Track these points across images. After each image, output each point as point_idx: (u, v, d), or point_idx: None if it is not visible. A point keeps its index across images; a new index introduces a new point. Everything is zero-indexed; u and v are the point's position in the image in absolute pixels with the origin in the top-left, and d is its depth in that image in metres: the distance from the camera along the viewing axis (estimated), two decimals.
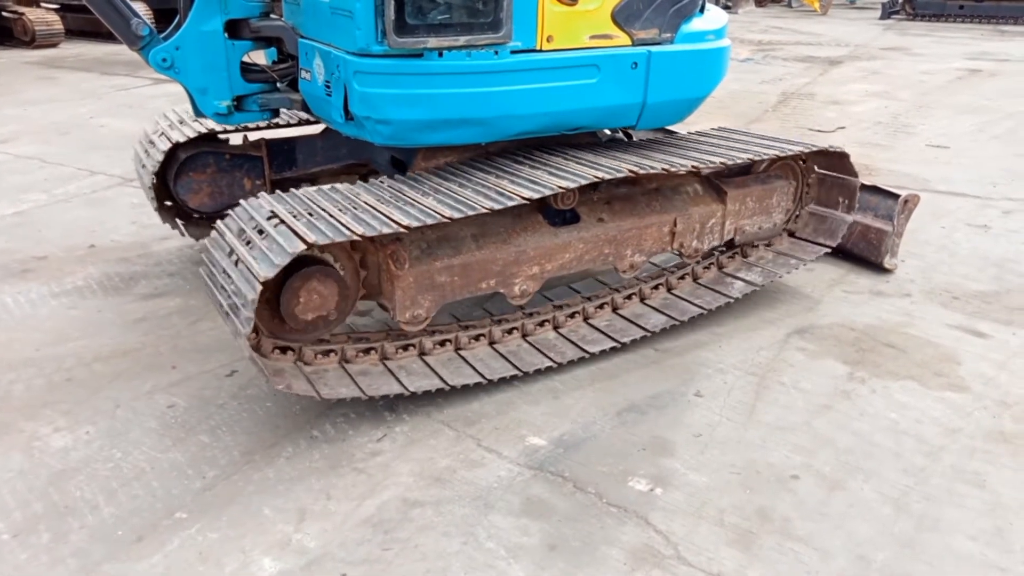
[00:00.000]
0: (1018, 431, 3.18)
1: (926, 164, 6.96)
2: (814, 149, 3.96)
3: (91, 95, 9.06)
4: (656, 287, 3.99)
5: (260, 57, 3.95)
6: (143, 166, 4.35)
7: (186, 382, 3.45)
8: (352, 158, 4.48)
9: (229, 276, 2.88)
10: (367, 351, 3.26)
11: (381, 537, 2.59)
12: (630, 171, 3.36)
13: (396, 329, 3.35)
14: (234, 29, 3.50)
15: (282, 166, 4.46)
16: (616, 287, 3.92)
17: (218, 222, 3.17)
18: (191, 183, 4.30)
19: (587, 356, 3.55)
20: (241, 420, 3.20)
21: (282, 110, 4.12)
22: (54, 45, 12.90)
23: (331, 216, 2.96)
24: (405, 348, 3.35)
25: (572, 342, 3.59)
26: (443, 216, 2.94)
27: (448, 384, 3.22)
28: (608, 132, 4.19)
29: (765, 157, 3.79)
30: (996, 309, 4.24)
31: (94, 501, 2.75)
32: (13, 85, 9.86)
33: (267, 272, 2.71)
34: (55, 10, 13.65)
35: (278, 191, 3.29)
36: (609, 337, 3.64)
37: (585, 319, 3.76)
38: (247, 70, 3.66)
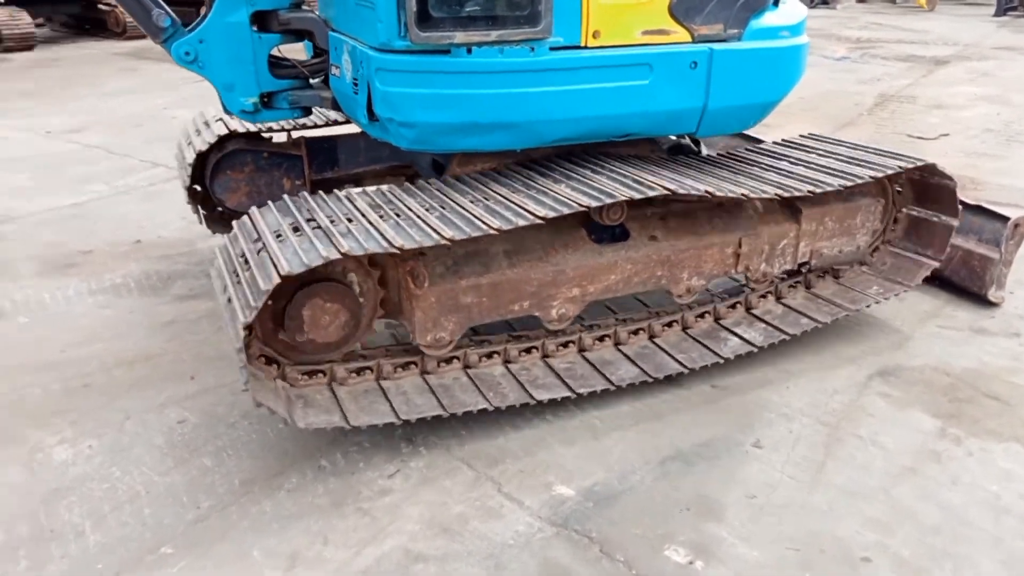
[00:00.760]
0: None
1: None
2: (918, 164, 3.46)
3: (169, 86, 9.15)
4: (734, 306, 3.57)
5: (300, 53, 3.73)
6: (183, 157, 4.21)
7: (201, 395, 3.27)
8: (395, 159, 4.23)
9: (247, 264, 2.64)
10: (360, 371, 2.99)
11: None
12: (706, 192, 2.96)
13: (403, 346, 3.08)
14: (262, 21, 3.27)
15: (323, 166, 4.24)
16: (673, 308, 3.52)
17: (253, 209, 2.94)
18: (228, 181, 4.13)
19: (646, 382, 3.18)
20: (249, 443, 2.99)
21: (316, 109, 3.89)
22: (144, 36, 13.20)
23: (371, 223, 2.71)
24: (405, 367, 3.05)
25: (631, 360, 3.23)
26: (491, 228, 2.64)
27: (447, 411, 2.90)
28: (673, 138, 3.79)
29: (864, 180, 3.30)
30: None
31: (81, 527, 2.57)
32: (98, 76, 10.10)
33: (294, 267, 2.45)
34: None
35: (320, 192, 3.05)
36: (677, 362, 3.26)
37: (651, 337, 3.39)
38: (276, 65, 3.43)
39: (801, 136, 3.95)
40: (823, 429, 3.07)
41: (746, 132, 4.40)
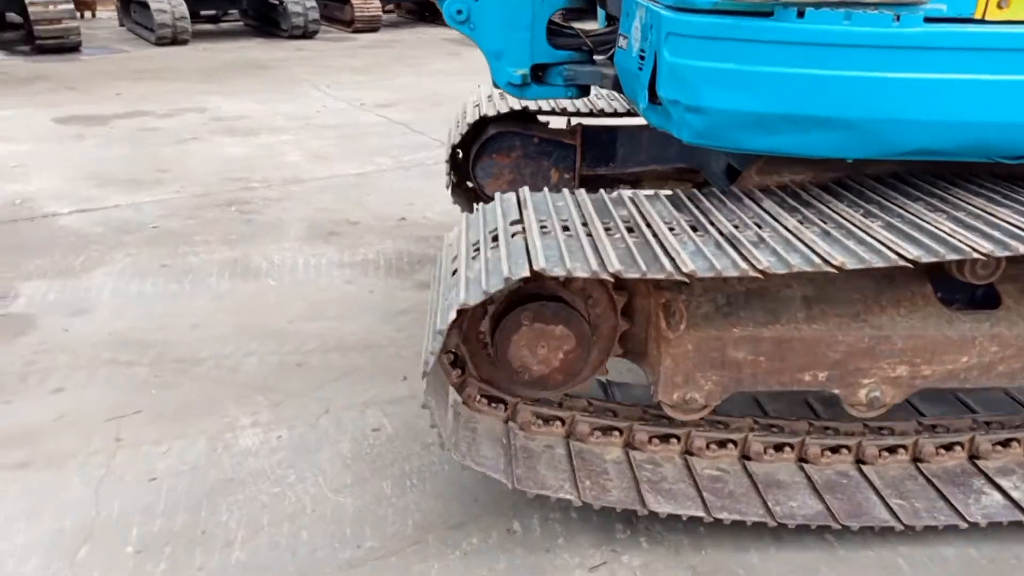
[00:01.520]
0: None
1: None
2: None
3: (483, 71, 9.21)
4: None
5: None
6: (450, 134, 3.86)
7: (407, 401, 2.82)
8: (682, 160, 3.49)
9: (496, 243, 2.09)
10: (608, 430, 2.30)
11: None
12: None
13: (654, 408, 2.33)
14: None
15: (597, 160, 3.63)
16: None
17: (524, 190, 2.41)
18: (492, 166, 3.67)
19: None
20: (438, 474, 2.47)
21: (592, 95, 3.29)
22: None
23: (655, 236, 2.07)
24: (665, 440, 2.31)
25: (997, 486, 2.26)
26: (831, 263, 1.86)
27: (709, 515, 2.12)
28: None
29: None
30: None
31: (233, 536, 2.22)
32: (423, 58, 10.51)
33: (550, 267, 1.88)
34: None
35: (603, 191, 2.46)
36: None
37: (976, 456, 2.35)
38: (556, 33, 2.87)
39: None
40: None
41: None
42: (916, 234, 1.97)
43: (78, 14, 12.90)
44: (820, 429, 2.39)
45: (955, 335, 2.18)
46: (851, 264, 1.86)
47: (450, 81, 8.77)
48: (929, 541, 2.18)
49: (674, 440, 2.31)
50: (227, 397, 2.86)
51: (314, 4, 11.93)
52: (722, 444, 2.32)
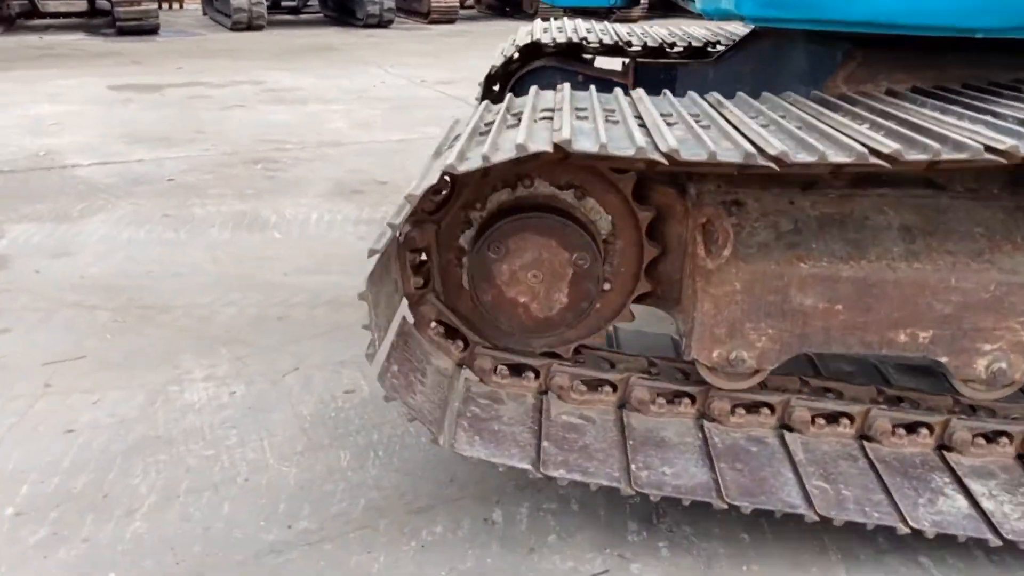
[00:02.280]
0: None
1: None
2: None
3: None
4: None
5: None
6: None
7: None
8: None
9: (490, 128, 1.58)
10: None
11: None
12: None
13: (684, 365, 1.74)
14: None
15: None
16: None
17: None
18: None
19: None
20: (412, 447, 1.95)
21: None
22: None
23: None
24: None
25: None
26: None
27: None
28: None
29: None
30: None
31: (139, 504, 1.76)
32: (493, 46, 10.09)
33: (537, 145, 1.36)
34: None
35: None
36: None
37: None
38: None
39: None
40: None
41: None
42: None
43: (165, 4, 13.17)
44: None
45: None
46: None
47: None
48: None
49: (530, 375, 1.71)
50: (187, 348, 2.43)
51: None
52: (595, 387, 1.71)
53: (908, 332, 1.60)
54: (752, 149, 1.34)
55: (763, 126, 1.53)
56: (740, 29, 3.05)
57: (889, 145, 1.34)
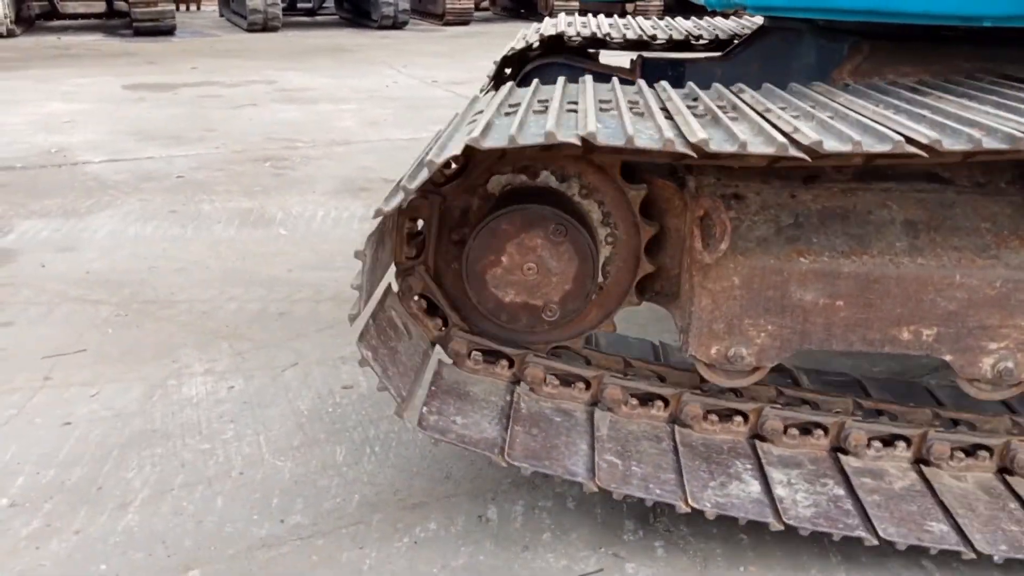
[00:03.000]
0: None
1: None
2: None
3: None
4: None
5: None
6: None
7: None
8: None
9: (515, 110, 1.57)
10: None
11: None
12: None
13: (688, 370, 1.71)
14: None
15: None
16: None
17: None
18: None
19: None
20: (409, 443, 1.93)
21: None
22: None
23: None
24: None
25: None
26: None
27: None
28: None
29: None
30: None
31: (133, 497, 1.75)
32: (503, 47, 10.08)
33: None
34: None
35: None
36: None
37: None
38: None
39: None
40: None
41: None
42: None
43: (182, 6, 13.27)
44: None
45: None
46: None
47: None
48: None
49: None
50: (187, 342, 2.42)
51: None
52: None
53: (911, 330, 1.56)
54: (783, 140, 1.31)
55: (794, 117, 1.50)
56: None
57: (927, 135, 1.31)
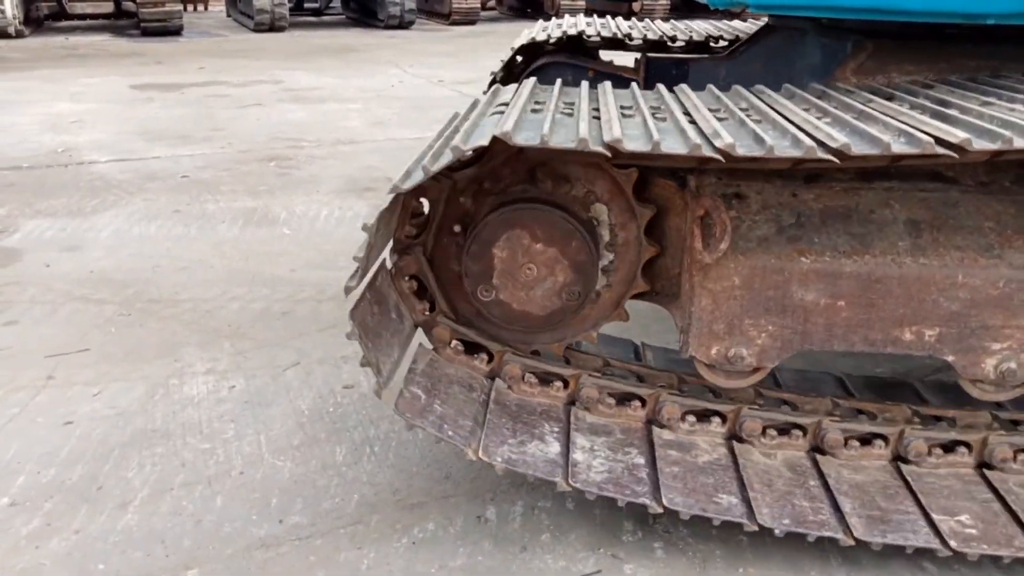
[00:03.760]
0: None
1: None
2: None
3: None
4: None
5: None
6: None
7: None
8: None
9: (542, 107, 1.59)
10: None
11: None
12: None
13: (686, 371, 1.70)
14: None
15: None
16: None
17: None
18: None
19: None
20: (408, 443, 1.93)
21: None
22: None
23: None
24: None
25: None
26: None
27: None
28: None
29: None
30: None
31: (132, 497, 1.75)
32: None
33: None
34: None
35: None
36: None
37: None
38: None
39: None
40: None
41: None
42: None
43: (190, 6, 13.31)
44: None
45: None
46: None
47: None
48: None
49: None
50: (190, 341, 2.43)
51: None
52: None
53: (913, 330, 1.55)
54: (810, 143, 1.30)
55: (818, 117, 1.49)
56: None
57: (956, 135, 1.29)
